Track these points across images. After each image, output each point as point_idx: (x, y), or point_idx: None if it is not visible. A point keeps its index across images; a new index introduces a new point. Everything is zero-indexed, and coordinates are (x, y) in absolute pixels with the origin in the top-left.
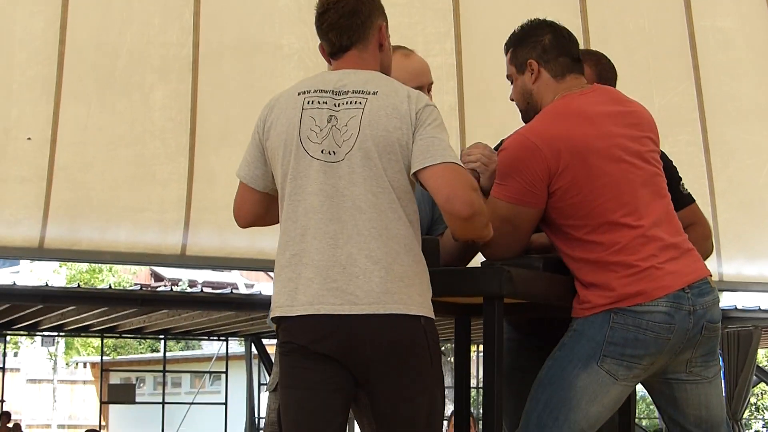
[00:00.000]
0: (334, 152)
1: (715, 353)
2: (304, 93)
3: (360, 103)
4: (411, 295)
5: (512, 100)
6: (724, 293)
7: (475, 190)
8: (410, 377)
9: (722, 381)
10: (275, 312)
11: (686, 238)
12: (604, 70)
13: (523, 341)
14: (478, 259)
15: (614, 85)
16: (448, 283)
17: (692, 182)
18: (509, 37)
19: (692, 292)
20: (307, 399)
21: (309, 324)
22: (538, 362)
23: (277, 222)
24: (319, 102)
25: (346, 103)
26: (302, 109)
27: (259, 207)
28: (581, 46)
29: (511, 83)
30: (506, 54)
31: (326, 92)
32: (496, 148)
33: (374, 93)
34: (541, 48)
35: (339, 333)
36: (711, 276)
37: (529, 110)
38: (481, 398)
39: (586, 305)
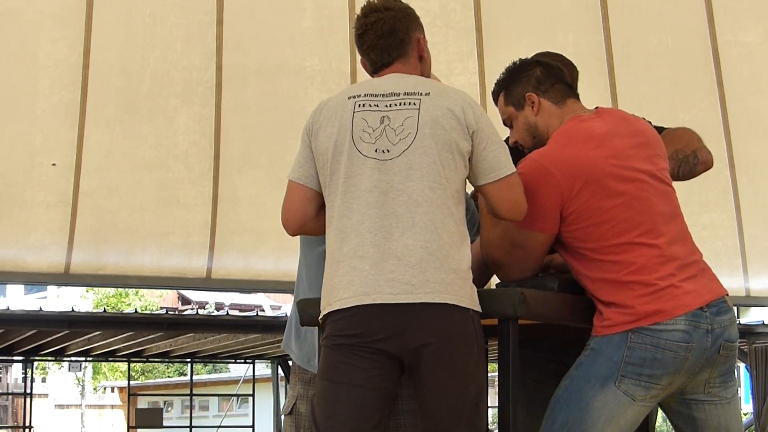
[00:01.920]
0: (388, 150)
1: (732, 373)
2: (354, 97)
3: (414, 104)
4: (464, 287)
5: (514, 144)
6: (751, 308)
7: (523, 194)
8: (460, 368)
9: (740, 401)
10: (330, 307)
11: (701, 257)
12: (575, 74)
13: (539, 354)
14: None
15: (577, 84)
16: None
17: (718, 197)
18: (496, 83)
19: (710, 311)
20: (345, 393)
21: (365, 314)
22: (553, 376)
23: (323, 231)
24: (370, 105)
25: (399, 104)
26: (353, 111)
27: (312, 206)
28: (604, 64)
29: (509, 126)
30: (497, 99)
31: (377, 95)
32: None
33: (426, 94)
34: (535, 80)
35: (394, 321)
36: (728, 295)
37: (536, 144)
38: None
39: (606, 323)
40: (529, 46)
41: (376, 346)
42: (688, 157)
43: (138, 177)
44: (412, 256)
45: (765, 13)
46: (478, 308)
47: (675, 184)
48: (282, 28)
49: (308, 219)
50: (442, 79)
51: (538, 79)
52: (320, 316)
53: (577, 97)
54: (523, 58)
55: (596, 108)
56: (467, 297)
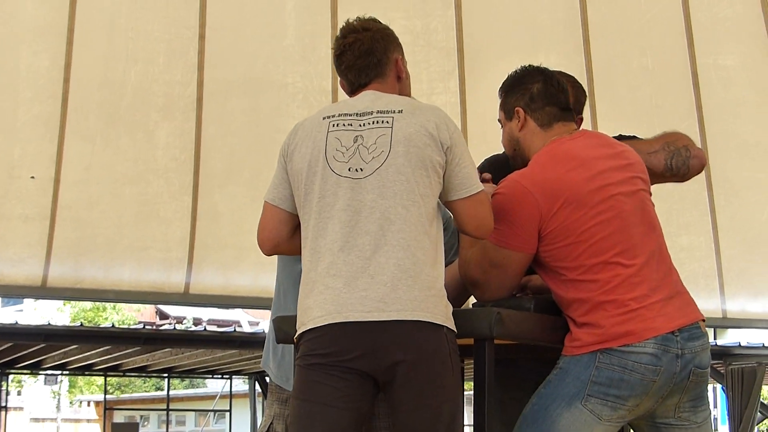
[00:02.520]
0: (361, 168)
1: (704, 398)
2: (329, 117)
3: (387, 122)
4: (437, 305)
5: (503, 144)
6: (728, 330)
7: (491, 212)
8: (435, 384)
9: (711, 425)
10: (304, 326)
11: (679, 279)
12: (579, 93)
13: (518, 372)
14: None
15: (583, 107)
16: None
17: (696, 219)
18: (503, 82)
19: (682, 336)
20: (319, 413)
21: (337, 333)
22: (531, 393)
23: (299, 251)
24: (344, 124)
25: (372, 122)
26: (327, 132)
27: (286, 228)
28: (585, 85)
29: (501, 127)
30: (499, 97)
31: (350, 115)
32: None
33: (399, 111)
34: (528, 96)
35: (367, 339)
36: (704, 320)
37: (516, 156)
38: None
39: (576, 343)
40: (510, 66)
41: (350, 365)
42: (680, 150)
43: (118, 191)
44: (384, 274)
45: (744, 38)
46: (453, 326)
47: (656, 205)
48: (264, 44)
49: (282, 240)
50: (423, 98)
51: (532, 97)
52: (295, 336)
53: (568, 119)
54: (535, 66)
55: (580, 130)
56: (441, 314)
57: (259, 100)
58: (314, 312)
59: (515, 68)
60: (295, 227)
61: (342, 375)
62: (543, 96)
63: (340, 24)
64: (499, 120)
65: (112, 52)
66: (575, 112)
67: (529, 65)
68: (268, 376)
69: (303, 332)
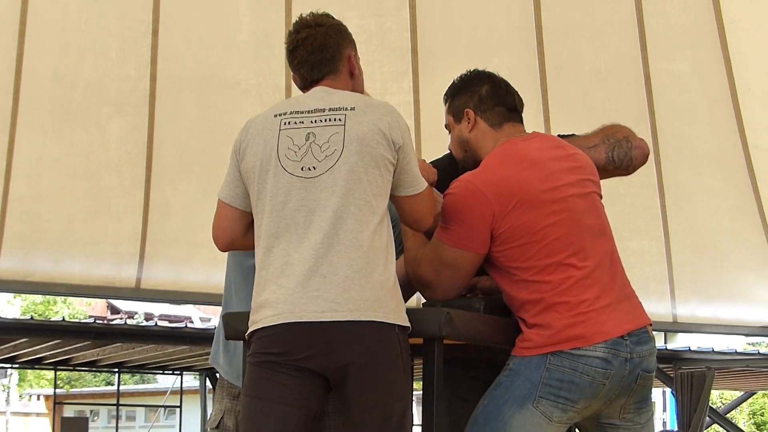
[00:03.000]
0: (314, 167)
1: (648, 400)
2: (280, 115)
3: (340, 120)
4: (389, 303)
5: (450, 150)
6: (678, 334)
7: (432, 208)
8: (386, 384)
9: (653, 425)
10: (256, 325)
11: (628, 283)
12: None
13: (467, 372)
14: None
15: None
16: None
17: (647, 224)
18: (448, 88)
19: (631, 340)
20: (268, 411)
21: (290, 333)
22: (480, 395)
23: (254, 247)
24: (296, 122)
25: (325, 120)
26: (279, 129)
27: (240, 226)
28: (538, 87)
29: (449, 132)
30: (445, 103)
31: (302, 113)
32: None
33: (351, 109)
34: (477, 98)
35: (320, 340)
36: (651, 324)
37: (467, 158)
38: None
39: (527, 344)
40: (463, 67)
41: (301, 364)
42: (621, 142)
43: (69, 184)
44: (337, 273)
45: (696, 43)
46: (407, 323)
47: (607, 209)
48: (218, 40)
49: (236, 238)
50: (377, 97)
51: (481, 98)
52: (246, 333)
53: (517, 121)
54: (479, 69)
55: (532, 132)
56: (393, 313)
57: (212, 96)
58: (267, 311)
59: (461, 72)
60: (249, 224)
61: (293, 373)
62: (491, 97)
63: (294, 20)
64: (446, 125)
65: (65, 46)
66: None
67: (475, 69)
68: (218, 372)
69: (255, 330)
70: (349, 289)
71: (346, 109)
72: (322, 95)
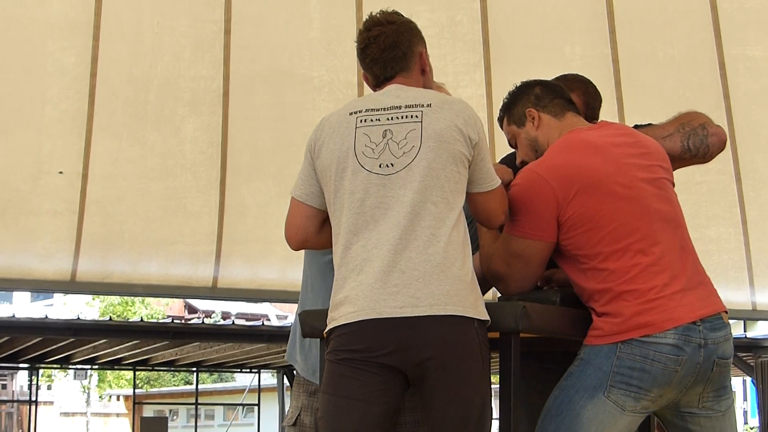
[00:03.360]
0: (392, 164)
1: (727, 387)
2: (356, 113)
3: (416, 116)
4: (467, 297)
5: (521, 165)
6: (758, 322)
7: (506, 204)
8: (465, 380)
9: (735, 413)
10: (335, 322)
11: (702, 269)
12: (591, 98)
13: (544, 365)
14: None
15: (599, 113)
16: None
17: (725, 211)
18: (500, 109)
19: (704, 326)
20: (348, 408)
21: (370, 329)
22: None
23: (328, 246)
24: (372, 120)
25: (401, 117)
26: (356, 127)
27: (313, 224)
28: (611, 76)
29: (514, 146)
30: (501, 124)
31: (378, 110)
32: (506, 159)
33: (428, 105)
34: (534, 97)
35: (400, 335)
36: (727, 312)
37: (539, 158)
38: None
39: (597, 332)
40: (535, 58)
41: (380, 361)
42: (696, 129)
43: (145, 185)
44: (416, 269)
45: None
46: (486, 317)
47: (683, 197)
48: (290, 38)
49: (310, 236)
50: (450, 90)
51: (537, 96)
52: (325, 331)
53: (577, 111)
54: (523, 80)
55: (600, 121)
56: (471, 307)
57: (284, 93)
58: (346, 308)
59: (534, 64)
60: (322, 222)
61: (372, 370)
62: (547, 93)
63: (365, 17)
64: (509, 141)
65: (138, 48)
66: (588, 118)
67: (520, 82)
68: (294, 369)
69: (334, 327)
70: (428, 284)
71: (423, 106)
72: (397, 92)
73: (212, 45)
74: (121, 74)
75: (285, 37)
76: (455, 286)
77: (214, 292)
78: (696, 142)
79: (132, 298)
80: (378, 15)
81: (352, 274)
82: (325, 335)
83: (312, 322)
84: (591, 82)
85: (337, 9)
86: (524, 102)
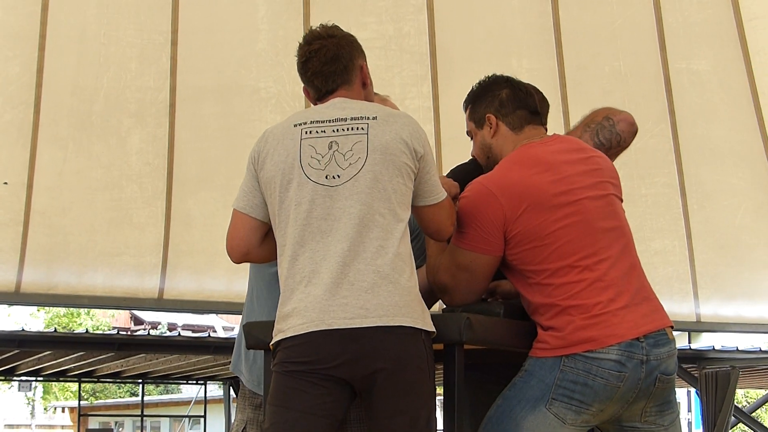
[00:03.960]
0: (338, 175)
1: (671, 402)
2: (300, 124)
3: (362, 129)
4: (415, 309)
5: (473, 156)
6: (702, 334)
7: (453, 217)
8: (414, 390)
9: (679, 426)
10: (283, 334)
11: (647, 285)
12: (543, 105)
13: (487, 377)
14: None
15: (546, 119)
16: None
17: (669, 223)
18: (467, 95)
19: (647, 342)
20: (294, 421)
21: (319, 341)
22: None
23: (269, 259)
24: (317, 131)
25: (347, 129)
26: (301, 139)
27: (256, 236)
28: (557, 89)
29: (471, 139)
30: (465, 111)
31: (323, 122)
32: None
33: (373, 118)
34: (498, 102)
35: (350, 347)
36: (672, 326)
37: (489, 164)
38: None
39: (542, 345)
40: (482, 70)
41: (329, 373)
42: (602, 123)
43: (90, 196)
44: (364, 280)
45: (715, 42)
46: (432, 328)
47: (628, 209)
48: (237, 49)
49: (252, 248)
50: (396, 102)
51: (502, 102)
52: (272, 342)
53: (538, 123)
54: (497, 74)
55: (552, 135)
56: (420, 318)
57: (231, 105)
58: (294, 320)
59: (481, 77)
60: (265, 235)
61: (320, 382)
62: (512, 100)
63: (304, 34)
64: (468, 132)
65: (84, 58)
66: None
67: (493, 74)
68: (241, 381)
69: (281, 339)
70: (377, 295)
71: (368, 118)
72: (342, 105)
73: (159, 56)
74: (67, 85)
75: (232, 48)
76: (404, 297)
77: (160, 304)
78: (606, 134)
79: (77, 309)
80: (318, 29)
81: (299, 286)
82: (271, 347)
83: (256, 333)
84: (537, 89)
85: (285, 20)
86: (488, 104)
